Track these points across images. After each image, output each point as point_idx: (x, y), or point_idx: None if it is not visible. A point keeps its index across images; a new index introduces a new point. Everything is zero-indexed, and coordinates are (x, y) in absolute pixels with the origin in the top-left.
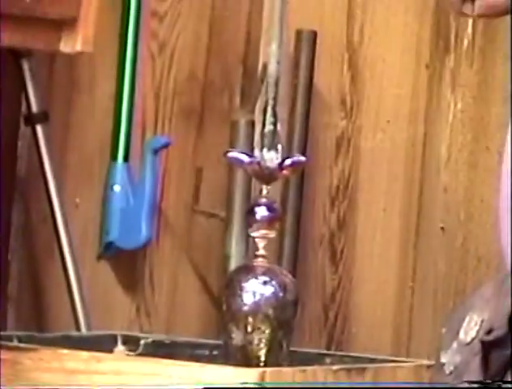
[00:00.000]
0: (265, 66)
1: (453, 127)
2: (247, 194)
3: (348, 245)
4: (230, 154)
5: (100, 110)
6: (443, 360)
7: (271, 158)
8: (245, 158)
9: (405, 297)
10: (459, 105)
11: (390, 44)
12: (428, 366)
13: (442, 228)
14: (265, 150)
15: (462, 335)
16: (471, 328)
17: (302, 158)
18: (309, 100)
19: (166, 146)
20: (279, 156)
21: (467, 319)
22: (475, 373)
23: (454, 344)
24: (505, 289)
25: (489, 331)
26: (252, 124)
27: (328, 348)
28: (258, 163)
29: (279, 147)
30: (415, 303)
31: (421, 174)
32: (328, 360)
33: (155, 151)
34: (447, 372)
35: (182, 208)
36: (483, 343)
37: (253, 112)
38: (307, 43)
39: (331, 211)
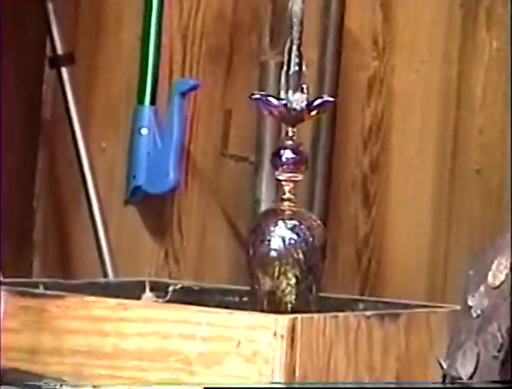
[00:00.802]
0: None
1: (488, 67)
2: (277, 137)
3: (381, 188)
4: (255, 96)
5: (127, 52)
6: (470, 303)
7: (297, 100)
8: (271, 100)
9: (440, 240)
10: (495, 45)
11: None
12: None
13: (478, 170)
14: (290, 92)
15: (490, 278)
16: (500, 272)
17: (329, 99)
18: (341, 39)
19: (194, 88)
20: (305, 97)
21: (495, 262)
22: (505, 317)
23: (482, 288)
24: None
25: None
26: (282, 65)
27: (361, 294)
28: (285, 105)
29: (305, 88)
30: (450, 247)
31: (456, 115)
32: (361, 305)
33: (183, 94)
34: (474, 315)
35: (211, 152)
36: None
37: (283, 53)
38: None
39: (364, 154)
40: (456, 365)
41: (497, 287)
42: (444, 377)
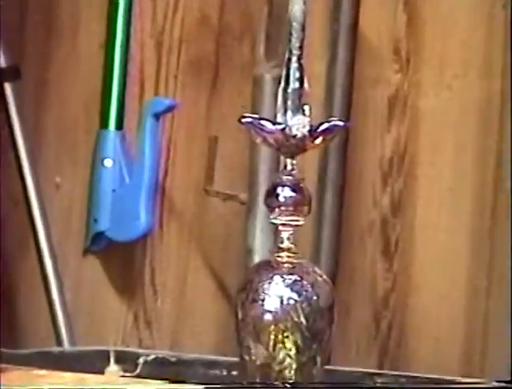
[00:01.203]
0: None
1: None
2: (274, 171)
3: (405, 235)
4: (245, 119)
5: (86, 64)
6: None
7: (297, 124)
8: (265, 125)
9: (478, 300)
10: None
11: None
12: None
13: None
14: (289, 114)
15: None
16: None
17: (338, 123)
18: (354, 48)
19: (171, 109)
20: (307, 121)
21: None
22: None
23: None
24: None
25: None
26: (280, 80)
27: (380, 367)
28: (282, 130)
29: (307, 109)
30: (490, 309)
31: (498, 144)
32: (379, 381)
33: (157, 116)
34: None
35: (192, 189)
36: None
37: (281, 65)
38: None
39: (383, 191)
40: None
41: None
42: None
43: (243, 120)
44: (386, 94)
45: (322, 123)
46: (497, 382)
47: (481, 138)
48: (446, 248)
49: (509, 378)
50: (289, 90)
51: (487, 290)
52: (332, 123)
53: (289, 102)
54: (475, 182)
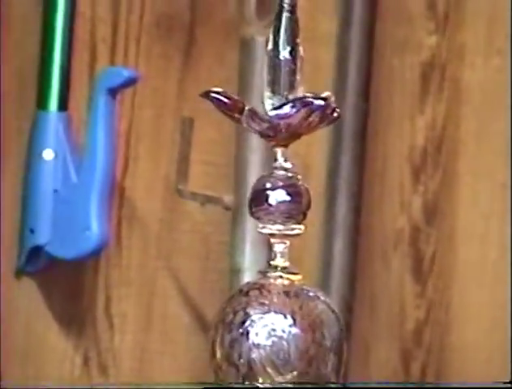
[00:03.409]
0: None
1: None
2: (267, 165)
3: (443, 250)
4: (210, 94)
5: (18, 24)
6: None
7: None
8: (230, 102)
9: None
10: None
11: None
12: None
13: None
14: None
15: None
16: None
17: (320, 102)
18: (374, 3)
19: (131, 83)
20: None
21: None
22: None
23: None
24: None
25: None
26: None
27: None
28: (250, 109)
29: (297, 82)
30: None
31: None
32: None
33: (113, 93)
34: None
35: (160, 188)
36: None
37: None
38: None
39: (414, 192)
40: None
41: None
42: None
43: (206, 95)
44: (417, 62)
45: (314, 97)
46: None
47: None
48: (497, 266)
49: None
50: (281, 57)
51: None
52: (307, 100)
53: (279, 73)
54: None
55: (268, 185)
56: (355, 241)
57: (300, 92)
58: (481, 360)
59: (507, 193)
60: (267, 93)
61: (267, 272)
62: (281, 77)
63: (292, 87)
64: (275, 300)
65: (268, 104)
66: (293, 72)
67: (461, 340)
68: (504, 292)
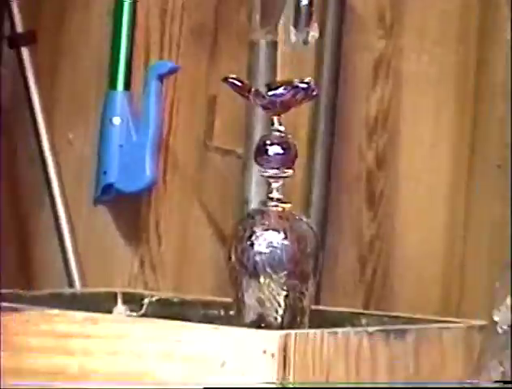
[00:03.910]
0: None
1: None
2: (267, 128)
3: (389, 187)
4: (228, 79)
5: (96, 30)
6: (496, 318)
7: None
8: (242, 83)
9: (456, 247)
10: None
11: None
12: (481, 327)
13: (499, 165)
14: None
15: None
16: None
17: (305, 84)
18: (342, 18)
19: (173, 71)
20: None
21: None
22: None
23: (508, 300)
24: None
25: None
26: (274, 45)
27: (365, 307)
28: (257, 91)
29: (315, 27)
30: (467, 254)
31: (474, 104)
32: (364, 320)
33: (161, 78)
34: (500, 331)
35: (193, 144)
36: None
37: (275, 31)
38: None
39: (369, 147)
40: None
41: None
42: None
43: (226, 80)
44: (371, 58)
45: (300, 82)
46: (495, 382)
47: (459, 100)
48: (427, 199)
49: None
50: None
51: (464, 236)
52: (293, 86)
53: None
54: (454, 139)
55: (267, 142)
56: (327, 181)
57: (314, 27)
58: (415, 263)
59: (433, 151)
60: (292, 28)
61: (267, 202)
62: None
63: (309, 20)
64: (272, 221)
65: (292, 36)
66: (310, 12)
67: (401, 250)
68: (432, 216)
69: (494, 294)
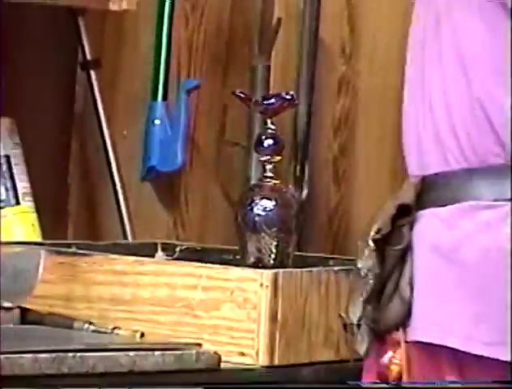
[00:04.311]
0: (279, 20)
1: None
2: (262, 127)
3: (349, 168)
4: (237, 93)
5: (143, 58)
6: (359, 265)
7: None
8: (244, 97)
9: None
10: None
11: (381, 3)
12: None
13: None
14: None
15: (370, 242)
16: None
17: (289, 96)
18: (316, 48)
19: (197, 87)
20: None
21: (372, 229)
22: (374, 267)
23: (366, 251)
24: (395, 195)
25: (378, 231)
26: (268, 68)
27: (332, 253)
28: (256, 101)
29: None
30: None
31: (398, 111)
32: (331, 262)
33: (188, 92)
34: (362, 275)
35: (211, 139)
36: (375, 241)
37: (269, 59)
38: (312, 2)
39: (334, 140)
40: (349, 313)
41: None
42: (344, 326)
43: (236, 93)
44: (336, 78)
45: (282, 96)
46: (494, 382)
47: (397, 107)
48: (375, 177)
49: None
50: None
51: None
52: (281, 97)
53: None
54: (394, 137)
55: (263, 137)
56: (304, 163)
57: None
58: (367, 219)
59: (380, 142)
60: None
61: (262, 179)
62: None
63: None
64: (266, 192)
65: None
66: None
67: (357, 211)
68: (380, 187)
69: (358, 248)
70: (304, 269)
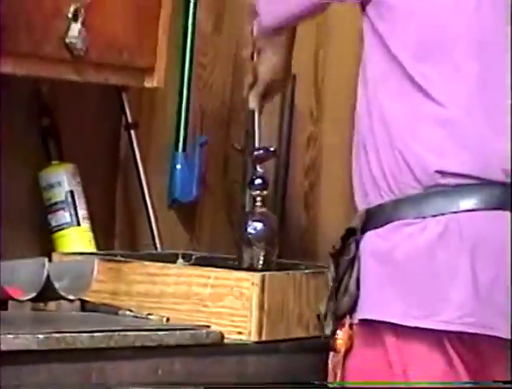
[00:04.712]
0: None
1: None
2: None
3: (315, 200)
4: (235, 146)
5: (169, 120)
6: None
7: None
8: (239, 148)
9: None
10: None
11: (343, 78)
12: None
13: None
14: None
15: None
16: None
17: (271, 149)
18: (291, 114)
19: (207, 141)
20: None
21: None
22: (332, 272)
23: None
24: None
25: (333, 247)
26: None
27: (303, 260)
28: (246, 151)
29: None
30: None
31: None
32: (302, 267)
33: (201, 145)
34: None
35: (218, 178)
36: (331, 254)
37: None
38: (291, 83)
39: (305, 180)
40: (319, 307)
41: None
42: (318, 316)
43: (233, 147)
44: (306, 136)
45: (266, 150)
46: (494, 381)
47: (350, 159)
48: (339, 184)
49: None
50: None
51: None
52: (265, 151)
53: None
54: (348, 176)
55: (254, 178)
56: (283, 197)
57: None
58: (334, 232)
59: (341, 185)
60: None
61: (253, 208)
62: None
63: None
64: (256, 217)
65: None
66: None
67: (325, 238)
68: (340, 216)
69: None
70: (283, 272)
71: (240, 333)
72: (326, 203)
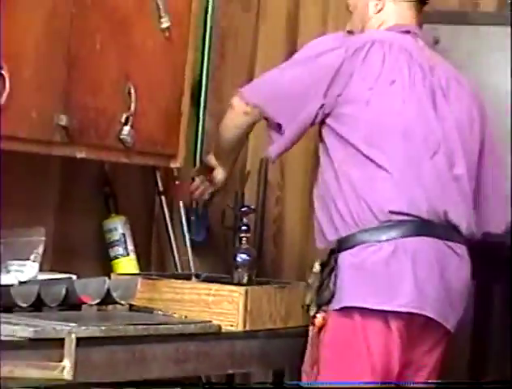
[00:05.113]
0: (248, 172)
1: None
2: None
3: (281, 240)
4: (228, 205)
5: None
6: (309, 281)
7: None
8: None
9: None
10: None
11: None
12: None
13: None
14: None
15: (317, 266)
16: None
17: (252, 207)
18: (265, 186)
19: (207, 231)
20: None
21: (317, 261)
22: (319, 276)
23: (313, 270)
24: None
25: (321, 262)
26: (242, 195)
27: (273, 278)
28: (239, 210)
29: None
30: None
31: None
32: (273, 283)
33: (206, 228)
34: (311, 282)
35: (218, 226)
36: (320, 265)
37: (242, 191)
38: (265, 163)
39: (273, 225)
40: (306, 299)
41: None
42: (305, 306)
43: (228, 206)
44: (274, 198)
45: (248, 208)
46: (495, 382)
47: (311, 210)
48: (302, 228)
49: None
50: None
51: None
52: (248, 208)
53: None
54: (308, 221)
55: (240, 224)
56: (262, 232)
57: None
58: (295, 254)
59: (301, 222)
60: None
61: (240, 245)
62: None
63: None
64: (243, 251)
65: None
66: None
67: (287, 249)
68: (301, 234)
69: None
70: (259, 286)
71: (232, 325)
72: (289, 242)
